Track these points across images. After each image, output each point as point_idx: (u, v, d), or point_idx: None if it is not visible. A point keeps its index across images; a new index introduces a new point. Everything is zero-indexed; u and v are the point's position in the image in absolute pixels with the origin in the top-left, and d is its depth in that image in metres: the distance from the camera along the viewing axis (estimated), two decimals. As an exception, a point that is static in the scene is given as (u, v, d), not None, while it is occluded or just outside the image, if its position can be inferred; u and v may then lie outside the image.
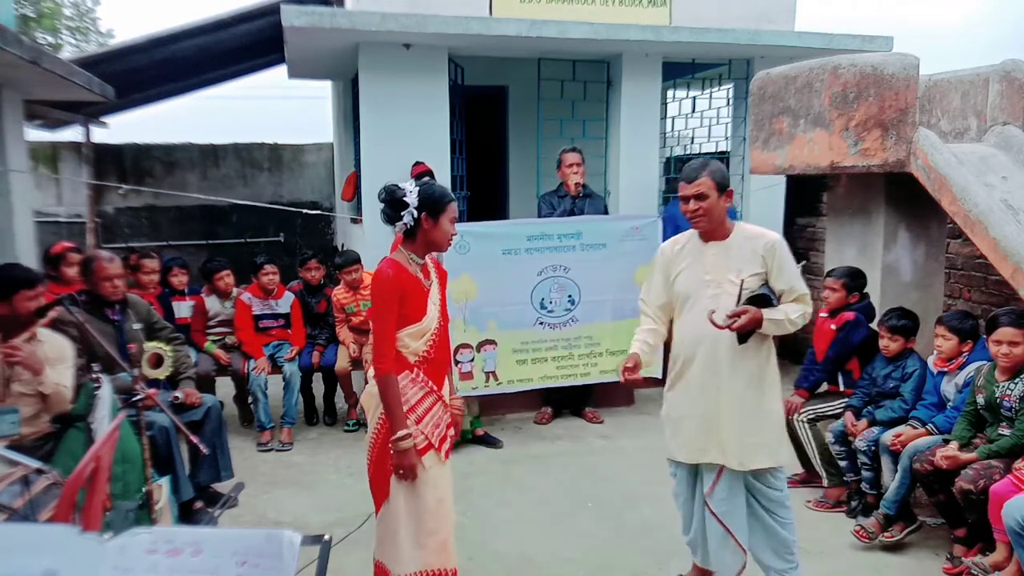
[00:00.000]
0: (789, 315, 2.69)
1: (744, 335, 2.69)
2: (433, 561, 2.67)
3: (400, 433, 2.53)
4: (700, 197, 2.69)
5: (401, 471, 2.57)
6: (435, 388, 2.67)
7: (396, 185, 2.63)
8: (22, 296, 3.14)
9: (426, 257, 2.72)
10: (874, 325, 4.07)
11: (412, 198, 2.61)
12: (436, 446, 2.65)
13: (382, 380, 2.57)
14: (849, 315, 4.05)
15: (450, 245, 2.74)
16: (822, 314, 4.24)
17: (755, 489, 2.85)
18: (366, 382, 2.78)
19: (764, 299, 2.67)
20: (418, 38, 5.37)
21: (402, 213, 2.60)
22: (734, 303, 2.67)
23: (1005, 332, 3.31)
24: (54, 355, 3.18)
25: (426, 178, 5.12)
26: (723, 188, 2.71)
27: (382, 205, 2.65)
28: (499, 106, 7.75)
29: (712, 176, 2.69)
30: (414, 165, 5.33)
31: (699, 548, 2.99)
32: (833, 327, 4.09)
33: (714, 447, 2.79)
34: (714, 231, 2.77)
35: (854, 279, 4.11)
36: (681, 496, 3.02)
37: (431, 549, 2.66)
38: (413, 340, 2.61)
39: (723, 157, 6.79)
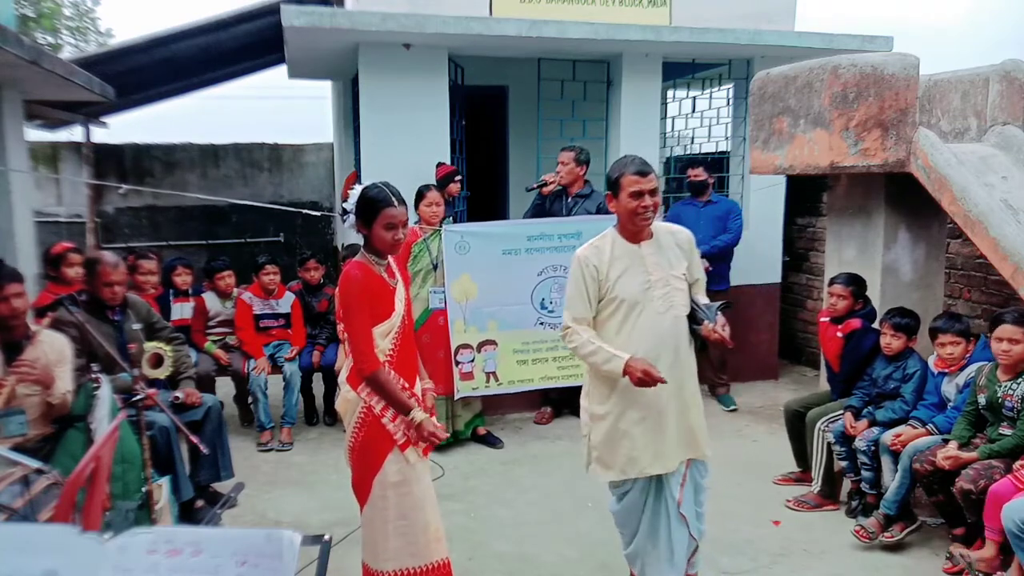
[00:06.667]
0: None
1: (704, 343, 2.74)
2: (427, 554, 2.69)
3: (413, 412, 2.60)
4: (654, 192, 2.64)
5: (428, 440, 2.64)
6: (407, 385, 2.70)
7: (354, 189, 2.65)
8: (9, 291, 3.10)
9: (388, 258, 2.73)
10: (874, 325, 4.07)
11: (351, 203, 2.62)
12: (415, 442, 2.68)
13: (373, 377, 2.58)
14: (855, 323, 4.04)
15: (396, 249, 2.67)
16: (823, 319, 4.23)
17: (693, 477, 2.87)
18: (339, 388, 2.79)
19: (727, 305, 2.78)
20: (418, 38, 5.37)
21: (344, 218, 2.64)
22: (686, 299, 2.73)
23: (1005, 329, 3.33)
24: (54, 356, 3.17)
25: (457, 178, 5.16)
26: None
27: None
28: (499, 106, 7.74)
29: (654, 173, 2.67)
30: (437, 166, 5.31)
31: (641, 558, 2.84)
32: (840, 335, 4.09)
33: (685, 446, 2.77)
34: (645, 231, 2.73)
35: (859, 285, 4.10)
36: (633, 511, 2.81)
37: (423, 543, 2.68)
38: (382, 339, 2.63)
39: (723, 157, 6.79)
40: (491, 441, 5.03)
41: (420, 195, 4.83)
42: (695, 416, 2.79)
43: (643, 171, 2.63)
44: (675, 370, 2.69)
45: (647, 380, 2.53)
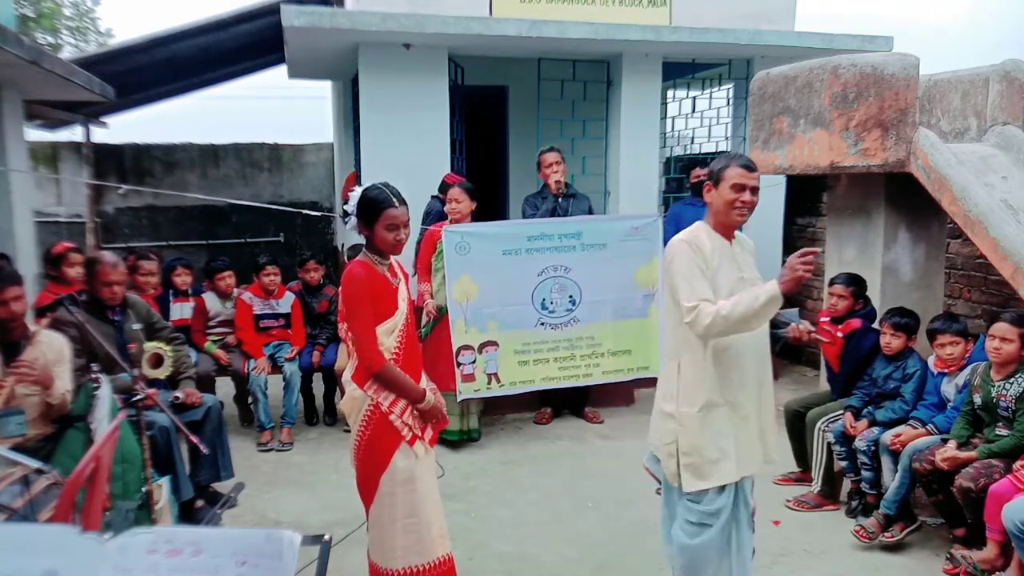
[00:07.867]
0: None
1: (785, 346, 2.82)
2: (433, 550, 2.71)
3: (427, 398, 2.69)
4: (755, 191, 2.62)
5: (435, 422, 2.76)
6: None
7: (354, 191, 2.67)
8: (8, 294, 3.10)
9: (391, 258, 2.74)
10: (874, 325, 4.08)
11: (351, 205, 2.64)
12: (421, 435, 2.71)
13: (382, 372, 2.61)
14: (855, 323, 4.05)
15: (397, 250, 2.68)
16: (823, 319, 4.24)
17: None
18: (343, 389, 2.80)
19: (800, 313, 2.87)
20: (418, 38, 5.37)
21: (346, 220, 2.66)
22: None
23: (999, 328, 3.35)
24: (53, 356, 3.17)
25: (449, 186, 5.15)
26: None
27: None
28: (499, 106, 7.75)
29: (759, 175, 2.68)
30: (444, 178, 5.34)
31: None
32: (840, 335, 4.09)
33: (760, 448, 2.73)
34: (735, 228, 2.72)
35: (860, 286, 4.11)
36: (723, 537, 2.63)
37: (429, 540, 2.69)
38: (387, 337, 2.66)
39: (723, 157, 6.79)
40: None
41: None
42: (769, 418, 2.76)
43: (750, 167, 2.61)
44: (758, 368, 2.68)
45: (805, 264, 2.42)
